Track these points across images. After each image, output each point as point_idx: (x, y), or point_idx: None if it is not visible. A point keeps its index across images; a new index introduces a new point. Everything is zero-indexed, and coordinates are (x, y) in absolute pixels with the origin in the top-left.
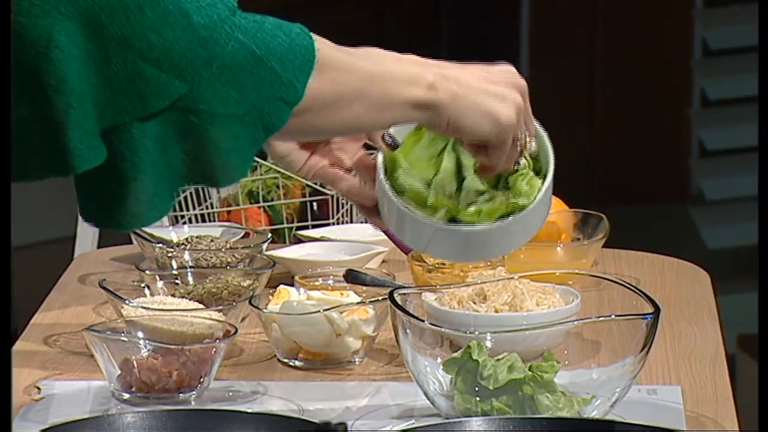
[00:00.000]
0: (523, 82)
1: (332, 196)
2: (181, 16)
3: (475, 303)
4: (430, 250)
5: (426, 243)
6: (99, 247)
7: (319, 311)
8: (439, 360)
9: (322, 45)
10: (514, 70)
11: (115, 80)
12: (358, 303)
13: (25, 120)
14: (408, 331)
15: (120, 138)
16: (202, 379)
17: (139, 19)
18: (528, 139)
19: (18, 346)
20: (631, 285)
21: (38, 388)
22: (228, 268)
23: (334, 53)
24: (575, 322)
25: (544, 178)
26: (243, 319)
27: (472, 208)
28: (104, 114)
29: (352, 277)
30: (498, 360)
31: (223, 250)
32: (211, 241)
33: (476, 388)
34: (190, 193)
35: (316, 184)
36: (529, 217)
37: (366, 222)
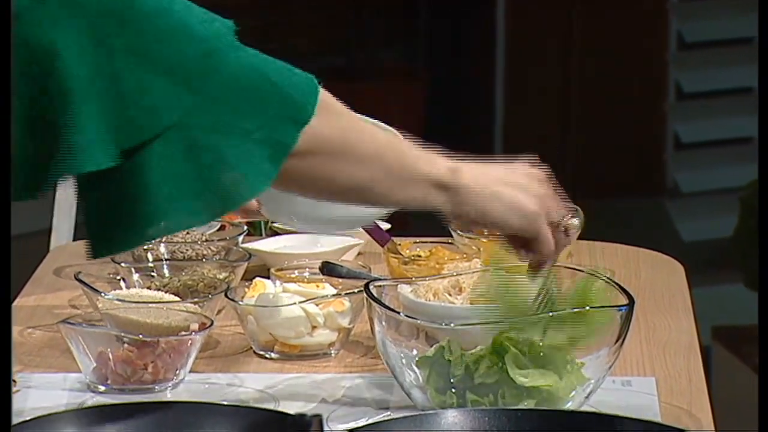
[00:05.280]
0: (541, 171)
1: None
2: (184, 27)
3: (450, 295)
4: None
5: None
6: (75, 239)
7: (295, 303)
8: (414, 352)
9: (326, 93)
10: (530, 164)
11: (128, 96)
12: (333, 295)
13: (31, 122)
14: (384, 323)
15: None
16: (177, 372)
17: (146, 29)
18: (566, 219)
19: None
20: (605, 277)
21: (14, 381)
22: (204, 260)
23: (340, 104)
24: (550, 314)
25: None
26: (219, 311)
27: None
28: (120, 135)
29: (328, 269)
30: (471, 354)
31: (199, 242)
32: (187, 233)
33: (451, 380)
34: None
35: None
36: None
37: None
